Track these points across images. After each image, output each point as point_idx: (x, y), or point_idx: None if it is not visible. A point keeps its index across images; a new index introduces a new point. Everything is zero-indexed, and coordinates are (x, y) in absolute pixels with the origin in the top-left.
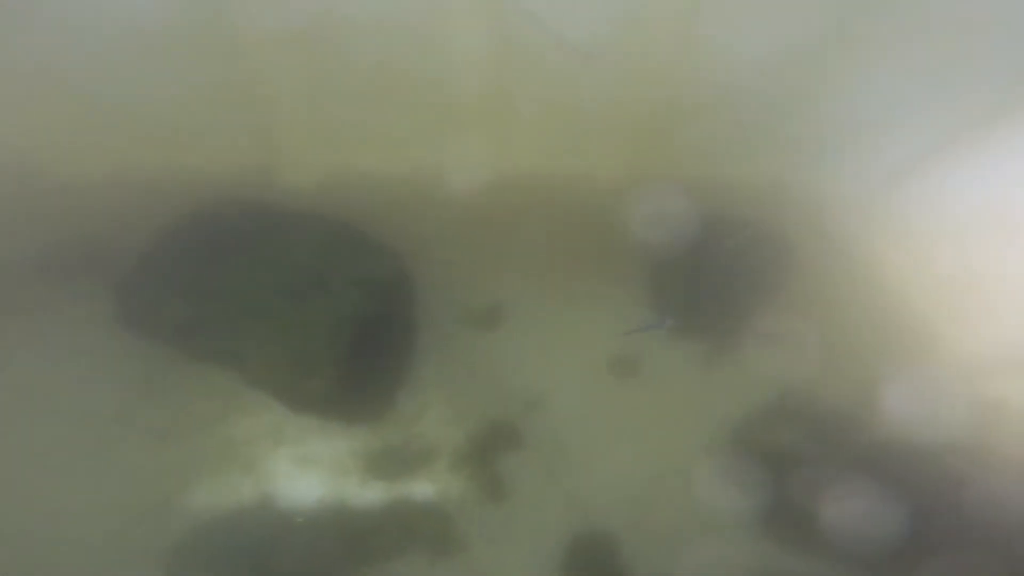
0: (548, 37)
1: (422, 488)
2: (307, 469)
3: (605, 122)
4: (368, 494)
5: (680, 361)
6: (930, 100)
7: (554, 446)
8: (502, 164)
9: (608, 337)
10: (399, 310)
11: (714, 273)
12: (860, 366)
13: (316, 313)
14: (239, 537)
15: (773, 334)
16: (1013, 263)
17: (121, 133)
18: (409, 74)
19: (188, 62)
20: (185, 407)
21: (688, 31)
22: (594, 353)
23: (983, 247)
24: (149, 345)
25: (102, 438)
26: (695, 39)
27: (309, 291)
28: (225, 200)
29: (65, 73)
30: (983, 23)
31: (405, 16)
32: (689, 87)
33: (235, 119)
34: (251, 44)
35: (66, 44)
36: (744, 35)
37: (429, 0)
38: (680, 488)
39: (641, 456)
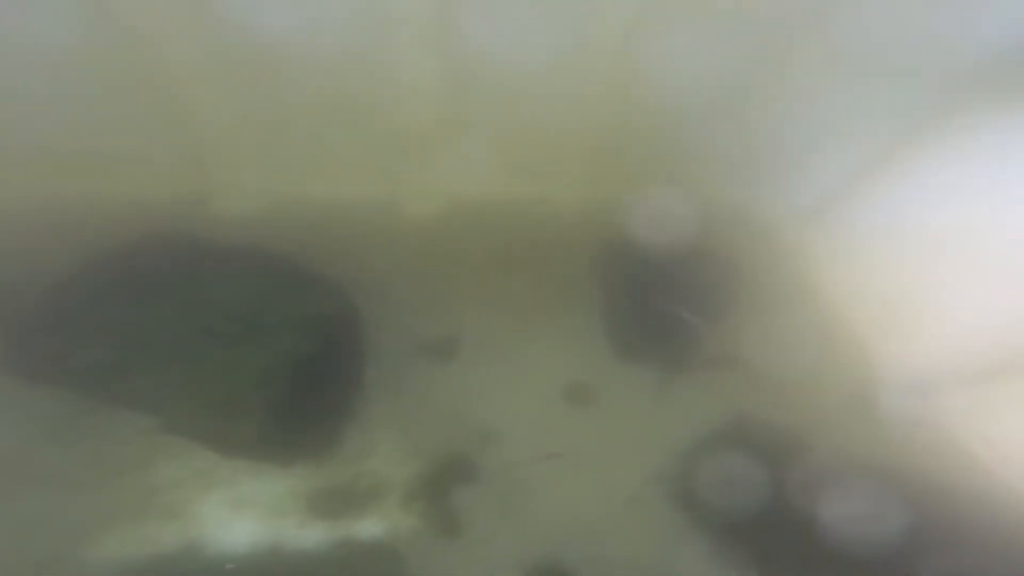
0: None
1: (370, 527)
2: (241, 512)
3: (558, 146)
4: (310, 535)
5: (636, 387)
6: (865, 119)
7: (510, 479)
8: (456, 190)
9: (565, 365)
10: (346, 346)
11: (667, 295)
12: (808, 386)
13: (249, 355)
14: None
15: (724, 356)
16: (948, 278)
17: (32, 161)
18: (355, 101)
19: (106, 87)
20: (96, 455)
21: (632, 55)
22: (551, 382)
23: (921, 263)
24: (55, 391)
25: None
26: (639, 63)
27: (243, 331)
28: (151, 233)
29: None
30: (913, 42)
31: (348, 45)
32: (637, 110)
33: (164, 146)
34: (179, 69)
35: None
36: (687, 59)
37: (373, 29)
38: (637, 519)
39: (598, 487)
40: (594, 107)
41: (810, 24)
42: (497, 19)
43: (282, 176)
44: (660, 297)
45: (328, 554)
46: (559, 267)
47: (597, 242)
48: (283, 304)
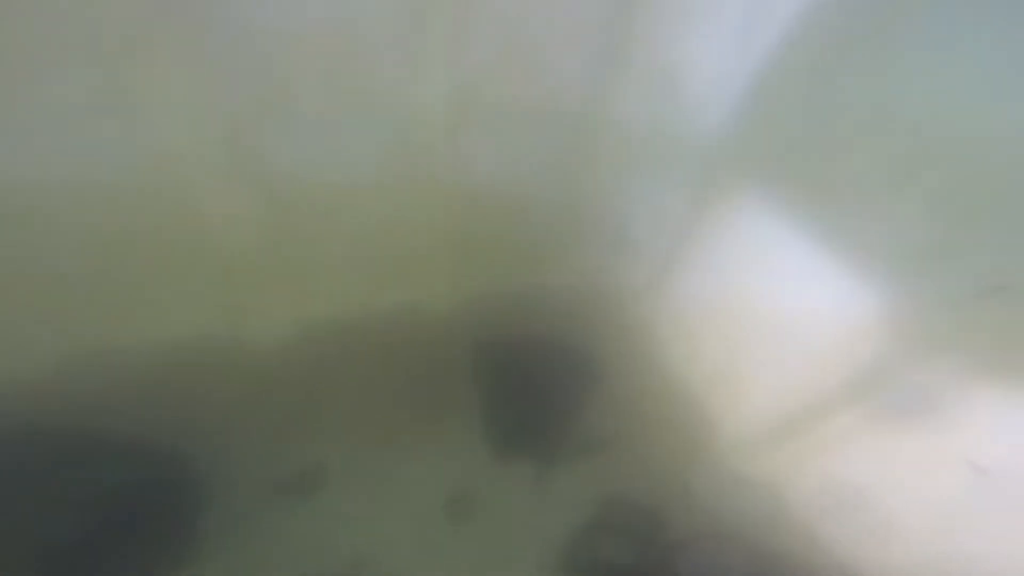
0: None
1: None
2: None
3: (401, 254)
4: None
5: (515, 487)
6: (670, 201)
7: None
8: (301, 314)
9: (443, 477)
10: (162, 507)
11: (533, 389)
12: (662, 463)
13: None
14: None
15: (591, 441)
16: (767, 350)
17: None
18: (160, 237)
19: None
20: None
21: (456, 155)
22: (428, 496)
23: (743, 334)
24: None
25: None
26: (465, 161)
27: None
28: None
29: None
30: (684, 126)
31: (130, 179)
32: (474, 208)
33: None
34: None
35: None
36: (511, 153)
37: (151, 162)
38: None
39: None
40: (431, 210)
41: (604, 114)
42: (300, 137)
43: (75, 329)
44: (527, 390)
45: None
46: (423, 376)
47: (461, 345)
48: (62, 480)
